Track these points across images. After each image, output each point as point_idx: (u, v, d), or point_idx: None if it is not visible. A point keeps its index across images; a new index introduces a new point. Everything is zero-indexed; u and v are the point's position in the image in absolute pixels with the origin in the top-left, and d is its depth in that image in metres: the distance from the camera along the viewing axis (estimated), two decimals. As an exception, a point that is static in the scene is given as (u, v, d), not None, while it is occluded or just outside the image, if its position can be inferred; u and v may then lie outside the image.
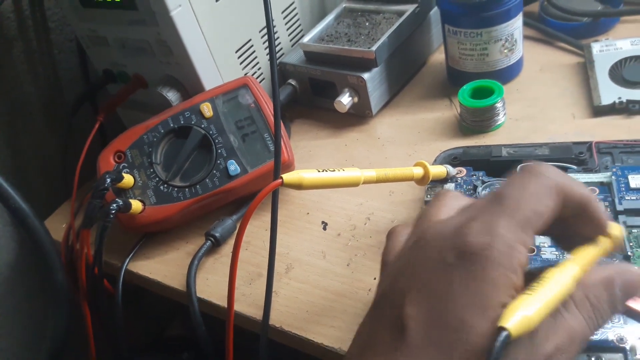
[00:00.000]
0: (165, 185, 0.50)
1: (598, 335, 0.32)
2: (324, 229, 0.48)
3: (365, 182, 0.35)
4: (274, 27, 0.61)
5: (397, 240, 0.33)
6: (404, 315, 0.26)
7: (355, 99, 0.57)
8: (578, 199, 0.27)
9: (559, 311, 0.25)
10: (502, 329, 0.22)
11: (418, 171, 0.41)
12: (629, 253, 0.36)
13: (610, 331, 0.32)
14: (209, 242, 0.49)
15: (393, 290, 0.28)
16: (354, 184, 0.34)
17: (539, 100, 0.54)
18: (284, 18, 0.62)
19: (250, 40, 0.58)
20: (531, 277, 0.25)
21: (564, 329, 0.25)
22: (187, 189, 0.49)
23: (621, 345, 0.31)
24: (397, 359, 0.25)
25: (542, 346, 0.24)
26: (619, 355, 0.31)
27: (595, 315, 0.25)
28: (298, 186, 0.31)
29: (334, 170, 0.33)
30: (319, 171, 0.32)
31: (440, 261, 0.26)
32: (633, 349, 0.31)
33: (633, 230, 0.37)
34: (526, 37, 0.60)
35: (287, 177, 0.31)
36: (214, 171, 0.49)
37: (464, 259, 0.25)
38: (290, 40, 0.64)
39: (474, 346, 0.24)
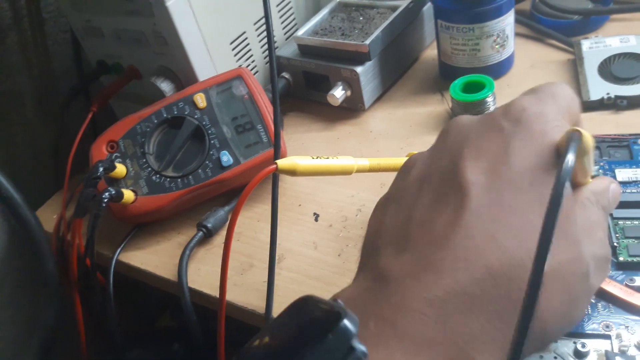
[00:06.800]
0: (158, 176, 0.50)
1: (585, 322, 0.32)
2: (316, 220, 0.49)
3: (358, 171, 0.35)
4: (268, 20, 0.61)
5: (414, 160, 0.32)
6: (464, 182, 0.27)
7: (348, 93, 0.57)
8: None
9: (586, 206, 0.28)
10: (574, 130, 0.25)
11: (410, 162, 0.42)
12: (615, 244, 0.36)
13: (596, 319, 0.33)
14: (201, 232, 0.49)
15: (452, 159, 0.28)
16: (347, 172, 0.35)
17: (530, 96, 0.55)
18: (279, 11, 0.62)
19: (244, 32, 0.58)
20: None
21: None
22: (179, 180, 0.50)
23: (607, 332, 0.32)
24: (463, 217, 0.26)
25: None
26: (605, 342, 0.31)
27: (604, 206, 0.29)
28: (292, 172, 0.32)
29: (327, 158, 0.33)
30: (313, 158, 0.32)
31: (494, 128, 0.28)
32: (618, 336, 0.31)
33: (619, 222, 0.38)
34: (518, 34, 0.60)
35: (281, 162, 0.31)
36: (207, 162, 0.50)
37: (520, 123, 0.27)
38: (285, 33, 0.64)
39: (541, 196, 0.25)
